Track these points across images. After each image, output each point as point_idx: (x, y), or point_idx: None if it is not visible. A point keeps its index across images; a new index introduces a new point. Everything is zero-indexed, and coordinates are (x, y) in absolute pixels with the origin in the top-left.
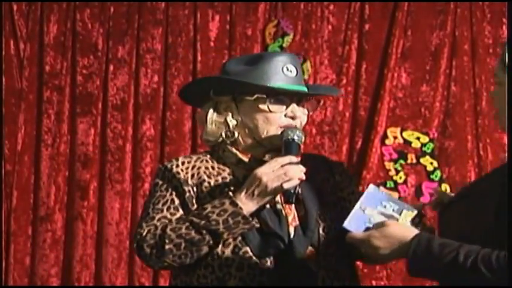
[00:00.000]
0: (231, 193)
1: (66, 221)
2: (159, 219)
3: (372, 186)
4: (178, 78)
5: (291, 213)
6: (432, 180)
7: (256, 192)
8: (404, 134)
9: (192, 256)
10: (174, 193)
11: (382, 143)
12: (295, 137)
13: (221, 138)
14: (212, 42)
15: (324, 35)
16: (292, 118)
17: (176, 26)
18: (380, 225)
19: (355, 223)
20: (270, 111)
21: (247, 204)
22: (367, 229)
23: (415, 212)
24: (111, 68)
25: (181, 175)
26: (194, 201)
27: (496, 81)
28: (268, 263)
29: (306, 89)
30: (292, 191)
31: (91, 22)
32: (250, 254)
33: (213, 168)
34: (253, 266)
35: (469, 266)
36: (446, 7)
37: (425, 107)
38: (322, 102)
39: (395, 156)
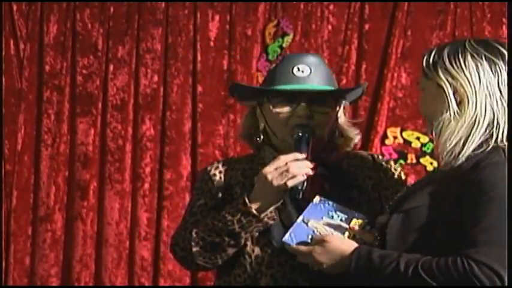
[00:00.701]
0: (245, 193)
1: (66, 221)
2: (192, 223)
3: (317, 198)
4: (178, 78)
5: None
6: None
7: (263, 191)
8: (404, 134)
9: (221, 257)
10: (208, 196)
11: (382, 143)
12: (300, 133)
13: (257, 140)
14: (212, 42)
15: (323, 35)
16: (299, 117)
17: (176, 26)
18: (320, 242)
19: (297, 236)
20: (278, 113)
21: (257, 203)
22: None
23: (366, 219)
24: (111, 68)
25: (217, 177)
26: (228, 202)
27: (419, 88)
28: (296, 259)
29: (317, 88)
30: (298, 188)
31: (91, 22)
32: (277, 251)
33: (251, 169)
34: (283, 263)
35: (411, 275)
36: (446, 7)
37: None
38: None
39: (395, 156)
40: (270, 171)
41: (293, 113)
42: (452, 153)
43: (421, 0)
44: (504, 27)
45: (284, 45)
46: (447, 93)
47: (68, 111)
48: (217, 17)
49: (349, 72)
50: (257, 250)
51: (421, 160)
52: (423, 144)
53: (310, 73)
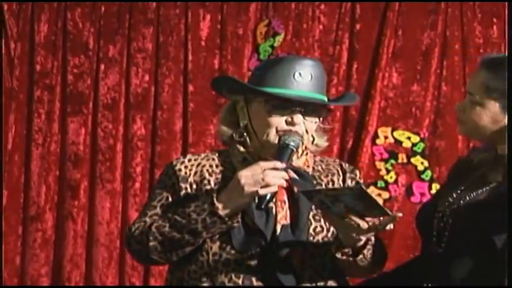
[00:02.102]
0: (214, 193)
1: (57, 221)
2: (150, 216)
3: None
4: (169, 77)
5: (282, 211)
6: (423, 180)
7: (234, 194)
8: (395, 134)
9: (177, 254)
10: (170, 190)
11: (373, 143)
12: (291, 143)
13: (232, 137)
14: (203, 42)
15: (315, 35)
16: (292, 124)
17: (167, 25)
18: None
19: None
20: (270, 116)
21: (225, 205)
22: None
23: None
24: (102, 67)
25: (182, 172)
26: (192, 198)
27: (473, 99)
28: (254, 260)
29: (316, 96)
30: (267, 197)
31: (82, 21)
32: (235, 250)
33: (217, 166)
34: (239, 262)
35: None
36: (437, 7)
37: (416, 106)
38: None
39: (386, 156)
40: (246, 176)
41: (287, 120)
42: None
43: (412, 0)
44: (495, 27)
45: (275, 44)
46: None
47: (59, 110)
48: (208, 17)
49: (340, 72)
50: (215, 248)
51: (412, 160)
52: (414, 144)
53: (311, 79)
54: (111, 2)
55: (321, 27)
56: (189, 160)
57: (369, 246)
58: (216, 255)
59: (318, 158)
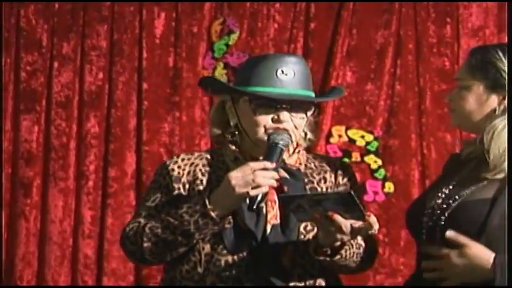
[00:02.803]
0: (206, 194)
1: (9, 219)
2: (144, 217)
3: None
4: (123, 75)
5: (272, 211)
6: (376, 179)
7: (225, 195)
8: (349, 133)
9: (170, 254)
10: (164, 190)
11: (327, 142)
12: (280, 141)
13: (224, 136)
14: (158, 40)
15: (269, 33)
16: (279, 122)
17: (122, 23)
18: (462, 246)
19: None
20: (256, 115)
21: (217, 206)
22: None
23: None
24: (56, 64)
25: (176, 172)
26: (185, 198)
27: (460, 84)
28: (245, 260)
29: (301, 93)
30: (257, 199)
31: (35, 18)
32: (227, 250)
33: (210, 166)
34: (230, 263)
35: None
36: (391, 7)
37: (370, 105)
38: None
39: (340, 154)
40: (236, 177)
41: (273, 118)
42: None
43: (367, 0)
44: (448, 26)
45: (230, 43)
46: (503, 95)
47: (12, 108)
48: (163, 14)
49: None
50: (207, 248)
51: (365, 158)
52: (368, 143)
53: (294, 76)
54: None
55: (275, 25)
56: (183, 160)
57: (346, 247)
58: (208, 255)
59: (311, 155)
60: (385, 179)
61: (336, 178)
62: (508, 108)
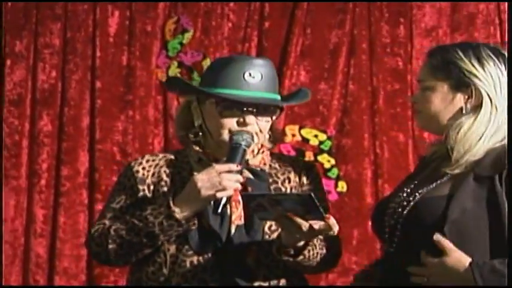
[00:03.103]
0: (171, 195)
1: None
2: (110, 218)
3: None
4: (76, 73)
5: (236, 212)
6: (329, 178)
7: (190, 197)
8: (303, 132)
9: (136, 256)
10: (129, 192)
11: (281, 141)
12: (242, 142)
13: (188, 136)
14: (111, 38)
15: (224, 32)
16: (244, 125)
17: (75, 21)
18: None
19: None
20: (222, 117)
21: (182, 208)
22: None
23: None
24: (8, 62)
25: (140, 174)
26: (149, 200)
27: (423, 85)
28: (210, 261)
29: (267, 96)
30: (222, 201)
31: None
32: (192, 251)
33: (174, 167)
34: (195, 264)
35: None
36: (345, 6)
37: (324, 105)
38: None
39: (293, 153)
40: (202, 179)
41: (239, 121)
42: (470, 153)
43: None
44: (402, 26)
45: (184, 41)
46: (469, 94)
47: None
48: (117, 13)
49: None
50: (172, 249)
51: (319, 158)
52: (321, 142)
53: (262, 79)
54: None
55: (229, 24)
56: (147, 161)
57: (310, 248)
58: (173, 256)
59: (275, 156)
60: (338, 178)
61: (300, 178)
62: (508, 108)
